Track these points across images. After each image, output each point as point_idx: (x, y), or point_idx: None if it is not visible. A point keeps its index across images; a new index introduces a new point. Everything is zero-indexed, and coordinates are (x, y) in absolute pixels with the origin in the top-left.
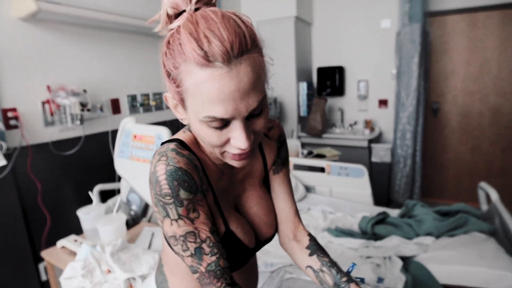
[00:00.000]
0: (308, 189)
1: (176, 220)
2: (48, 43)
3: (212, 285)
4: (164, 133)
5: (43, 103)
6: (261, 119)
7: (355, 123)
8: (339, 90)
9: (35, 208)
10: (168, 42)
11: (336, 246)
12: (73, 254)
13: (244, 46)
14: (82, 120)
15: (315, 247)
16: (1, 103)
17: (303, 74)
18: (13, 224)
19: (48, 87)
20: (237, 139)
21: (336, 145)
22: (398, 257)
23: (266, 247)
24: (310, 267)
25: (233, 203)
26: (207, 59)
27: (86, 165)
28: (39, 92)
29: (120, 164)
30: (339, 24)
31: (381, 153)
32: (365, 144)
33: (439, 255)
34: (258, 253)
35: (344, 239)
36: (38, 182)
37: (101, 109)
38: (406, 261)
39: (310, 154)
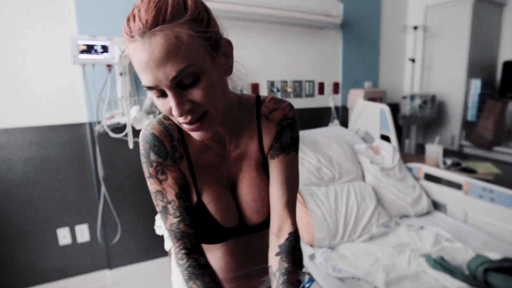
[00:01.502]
0: (437, 206)
1: (148, 178)
2: None
3: (173, 243)
4: None
5: None
6: (198, 90)
7: None
8: None
9: None
10: None
11: (430, 279)
12: None
13: (160, 19)
14: None
15: (285, 248)
16: None
17: (478, 69)
18: None
19: None
20: (172, 107)
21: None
22: None
23: (344, 251)
24: (270, 267)
25: (228, 180)
26: (131, 35)
27: None
28: None
29: None
30: None
31: None
32: None
33: None
34: (331, 254)
35: (442, 274)
36: None
37: (241, 92)
38: None
39: (456, 166)
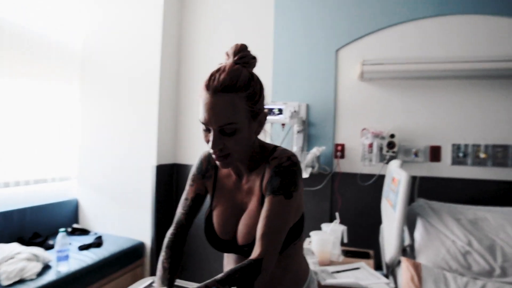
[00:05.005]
0: None
1: (188, 180)
2: (369, 95)
3: (173, 223)
4: (403, 177)
5: (363, 143)
6: (232, 140)
7: None
8: None
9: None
10: None
11: None
12: None
13: (229, 87)
14: (388, 160)
15: (234, 267)
16: (335, 139)
17: None
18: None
19: (363, 129)
20: (210, 141)
21: None
22: None
23: None
24: None
25: (242, 206)
26: (207, 87)
27: (368, 200)
28: (359, 133)
29: (383, 204)
30: None
31: None
32: None
33: None
34: None
35: None
36: (340, 199)
37: (416, 154)
38: None
39: None
